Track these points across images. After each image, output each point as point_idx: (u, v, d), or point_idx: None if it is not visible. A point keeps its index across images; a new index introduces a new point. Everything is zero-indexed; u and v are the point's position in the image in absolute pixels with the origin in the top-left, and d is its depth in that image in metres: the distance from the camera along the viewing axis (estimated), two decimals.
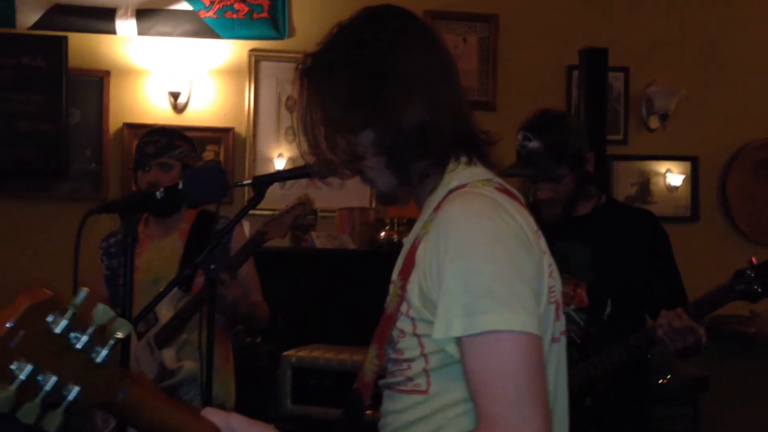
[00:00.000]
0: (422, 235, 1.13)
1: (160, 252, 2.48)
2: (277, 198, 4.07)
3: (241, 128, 4.29)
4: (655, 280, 2.21)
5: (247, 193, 4.09)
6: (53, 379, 0.84)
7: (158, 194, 1.51)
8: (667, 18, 4.54)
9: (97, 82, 4.19)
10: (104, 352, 0.87)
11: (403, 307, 1.12)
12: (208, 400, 1.76)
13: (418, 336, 1.10)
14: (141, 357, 2.36)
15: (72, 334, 0.85)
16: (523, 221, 1.11)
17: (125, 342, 1.55)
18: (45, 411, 0.84)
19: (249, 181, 1.77)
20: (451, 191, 1.15)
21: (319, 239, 3.74)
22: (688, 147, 4.54)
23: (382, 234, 3.85)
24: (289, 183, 4.15)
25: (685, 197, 4.55)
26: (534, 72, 4.43)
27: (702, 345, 2.03)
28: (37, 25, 4.13)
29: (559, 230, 2.11)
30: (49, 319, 0.84)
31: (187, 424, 0.95)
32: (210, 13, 4.23)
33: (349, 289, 3.58)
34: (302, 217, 2.44)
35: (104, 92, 4.19)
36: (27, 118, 4.11)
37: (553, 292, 1.12)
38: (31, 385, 0.83)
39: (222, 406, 2.40)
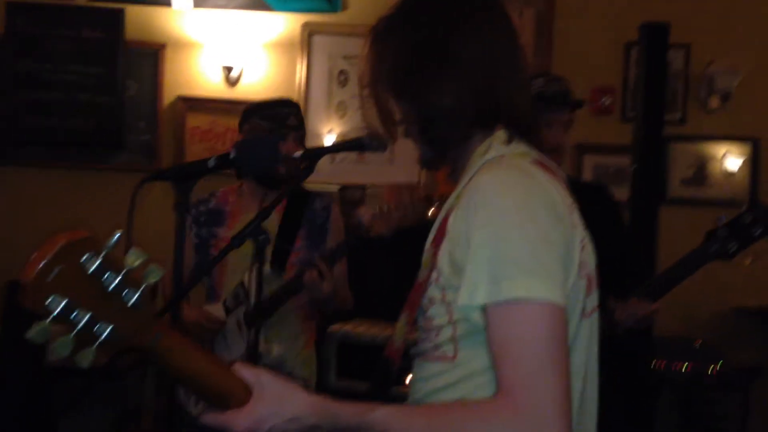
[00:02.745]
0: (455, 205, 1.14)
1: None
2: (327, 172, 4.09)
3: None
4: (612, 257, 2.20)
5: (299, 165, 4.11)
6: (87, 315, 0.86)
7: (210, 163, 1.52)
8: None
9: (152, 55, 4.25)
10: (137, 295, 0.89)
11: (434, 275, 1.13)
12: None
13: (447, 303, 1.11)
14: (229, 334, 2.34)
15: (106, 274, 0.87)
16: (556, 193, 1.11)
17: (176, 317, 1.57)
18: (79, 347, 0.87)
19: (299, 153, 1.78)
20: (487, 161, 1.16)
21: (367, 215, 3.74)
22: (749, 128, 4.39)
23: (431, 211, 3.84)
24: (339, 157, 4.15)
25: (744, 181, 4.41)
26: (591, 48, 4.32)
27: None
28: None
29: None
30: (85, 257, 0.86)
31: (217, 376, 0.97)
32: None
33: (396, 265, 3.58)
34: (411, 220, 2.38)
35: (159, 65, 4.24)
36: (85, 90, 4.19)
37: (584, 266, 1.12)
38: (66, 319, 0.85)
39: (306, 384, 2.41)
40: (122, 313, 0.88)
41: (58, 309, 0.83)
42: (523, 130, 1.21)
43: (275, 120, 2.35)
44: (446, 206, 1.20)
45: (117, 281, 0.87)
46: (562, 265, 1.05)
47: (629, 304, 2.03)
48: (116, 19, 4.18)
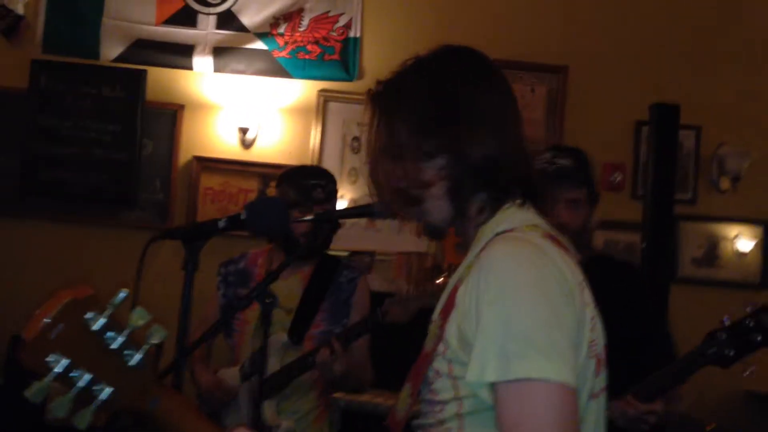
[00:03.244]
0: (464, 276, 1.12)
1: (279, 292, 2.42)
2: (336, 237, 4.10)
3: None
4: (641, 340, 2.11)
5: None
6: (87, 376, 0.84)
7: (220, 223, 1.53)
8: (741, 77, 4.44)
9: (171, 115, 4.33)
10: (138, 356, 0.87)
11: (440, 347, 1.11)
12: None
13: (453, 378, 1.09)
14: (242, 402, 2.31)
15: (108, 333, 0.86)
16: (568, 270, 1.10)
17: (179, 378, 1.56)
18: (77, 407, 0.85)
19: (310, 218, 1.79)
20: (497, 234, 1.15)
21: (374, 282, 3.73)
22: (761, 211, 4.39)
23: (439, 280, 3.82)
24: (348, 223, 4.17)
25: (756, 263, 4.38)
26: (602, 125, 4.37)
27: (667, 418, 1.96)
28: (119, 58, 4.31)
29: None
30: (88, 315, 0.85)
31: None
32: (283, 53, 4.34)
33: (402, 333, 3.55)
34: (429, 306, 2.35)
35: (177, 125, 4.31)
36: (102, 147, 4.26)
37: (594, 345, 1.10)
38: (66, 379, 0.83)
39: None
40: (122, 374, 0.87)
41: (59, 368, 0.83)
42: (533, 197, 1.22)
43: (302, 191, 2.34)
44: (455, 277, 1.18)
45: (119, 341, 0.86)
46: (572, 345, 1.04)
47: (623, 401, 1.92)
48: (138, 79, 4.28)
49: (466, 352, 1.05)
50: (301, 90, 4.40)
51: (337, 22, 4.36)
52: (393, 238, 4.23)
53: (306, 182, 2.36)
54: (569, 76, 4.42)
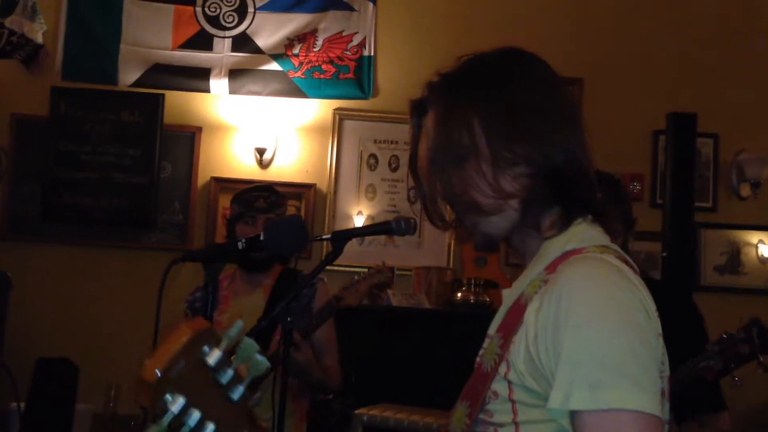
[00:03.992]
0: (530, 295, 1.06)
1: (244, 308, 2.50)
2: (355, 254, 4.11)
3: (323, 185, 4.37)
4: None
5: (326, 249, 4.14)
6: (197, 415, 0.79)
7: (240, 245, 1.54)
8: (758, 83, 4.41)
9: (189, 138, 4.37)
10: (240, 390, 0.83)
11: (502, 368, 1.04)
12: None
13: (512, 401, 1.03)
14: None
15: (221, 370, 0.81)
16: (647, 296, 1.03)
17: None
18: None
19: (328, 236, 1.79)
20: (567, 252, 1.08)
21: (395, 297, 3.73)
22: None
23: (459, 294, 3.82)
24: (367, 240, 4.18)
25: None
26: (619, 136, 4.36)
27: None
28: (137, 83, 4.37)
29: None
30: (206, 349, 0.80)
31: None
32: (298, 74, 4.38)
33: (424, 348, 3.54)
34: (379, 285, 2.43)
35: (195, 147, 4.36)
36: (122, 171, 4.31)
37: (663, 376, 1.04)
38: (178, 419, 0.78)
39: None
40: (225, 410, 0.82)
41: (176, 408, 0.77)
42: (601, 214, 1.15)
43: (245, 203, 2.50)
44: (515, 291, 1.12)
45: (229, 376, 0.82)
46: (659, 373, 0.99)
47: None
48: (155, 103, 4.34)
49: (535, 378, 1.00)
50: (317, 109, 4.43)
51: (351, 41, 4.40)
52: (412, 254, 4.23)
53: (248, 195, 2.52)
54: (584, 87, 4.41)
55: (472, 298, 3.76)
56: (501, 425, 1.05)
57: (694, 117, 3.30)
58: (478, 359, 1.15)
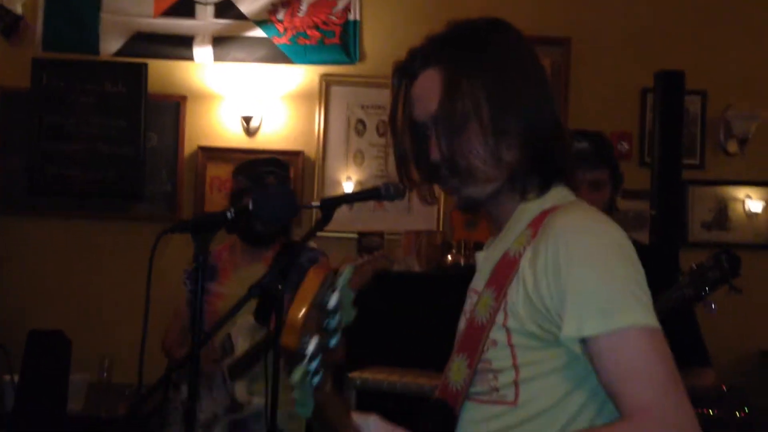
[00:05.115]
0: (519, 249, 1.14)
1: (246, 280, 2.45)
2: (344, 220, 4.11)
3: (311, 151, 4.35)
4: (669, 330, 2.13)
5: (315, 215, 4.14)
6: (318, 359, 0.84)
7: (229, 214, 1.54)
8: (744, 40, 4.40)
9: (173, 107, 4.33)
10: (337, 338, 0.86)
11: (499, 318, 1.12)
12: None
13: (511, 346, 1.11)
14: (214, 385, 2.38)
15: (331, 316, 0.85)
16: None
17: (195, 363, 1.58)
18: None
19: (317, 203, 1.79)
20: (545, 211, 1.17)
21: None
22: None
23: (449, 257, 3.83)
24: (356, 205, 4.18)
25: (766, 224, 4.37)
26: (607, 95, 4.35)
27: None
28: (119, 53, 4.31)
29: None
30: (328, 294, 0.85)
31: (341, 416, 0.94)
32: (283, 40, 4.33)
33: (415, 312, 3.57)
34: (382, 270, 2.40)
35: (180, 116, 4.32)
36: (107, 142, 4.27)
37: None
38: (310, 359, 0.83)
39: None
40: (327, 358, 0.87)
41: (312, 348, 0.82)
42: (570, 177, 1.24)
43: (254, 178, 2.44)
44: (498, 249, 1.20)
45: (336, 321, 0.86)
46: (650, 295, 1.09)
47: None
48: (139, 73, 4.28)
49: (536, 321, 1.08)
50: (303, 75, 4.39)
51: (335, 5, 4.34)
52: (402, 218, 4.24)
53: (258, 170, 2.46)
54: (572, 47, 4.39)
55: (462, 260, 3.78)
56: (500, 370, 1.12)
57: (681, 75, 3.30)
58: (466, 315, 1.23)
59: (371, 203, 4.25)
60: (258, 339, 2.35)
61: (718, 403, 2.57)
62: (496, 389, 1.12)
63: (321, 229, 1.71)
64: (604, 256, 1.07)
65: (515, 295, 1.11)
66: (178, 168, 4.32)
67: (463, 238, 3.87)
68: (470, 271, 4.05)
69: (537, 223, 1.15)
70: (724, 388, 3.63)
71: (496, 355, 1.12)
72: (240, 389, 2.34)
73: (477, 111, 1.15)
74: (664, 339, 1.04)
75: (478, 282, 1.23)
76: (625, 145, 4.35)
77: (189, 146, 4.33)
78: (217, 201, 4.24)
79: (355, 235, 4.04)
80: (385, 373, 3.05)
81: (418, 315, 3.55)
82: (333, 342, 0.85)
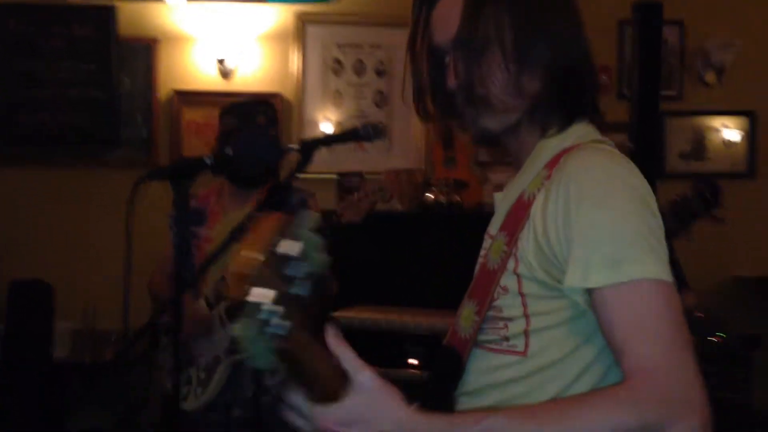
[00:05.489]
0: (533, 191, 1.08)
1: (234, 224, 2.44)
2: (324, 161, 4.09)
3: (289, 93, 4.30)
4: None
5: (295, 157, 4.11)
6: (279, 310, 0.79)
7: (207, 160, 1.52)
8: None
9: (145, 50, 4.23)
10: (307, 285, 0.80)
11: (510, 264, 1.07)
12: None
13: (522, 294, 1.06)
14: (212, 329, 2.38)
15: (294, 261, 0.79)
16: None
17: (178, 308, 1.58)
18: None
19: (296, 147, 1.78)
20: (564, 149, 1.10)
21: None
22: (746, 101, 4.39)
23: (430, 196, 3.84)
24: (336, 146, 4.15)
25: (742, 153, 4.41)
26: (585, 28, 4.30)
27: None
28: None
29: None
30: (282, 241, 0.79)
31: (323, 364, 0.89)
32: None
33: (397, 250, 3.59)
34: (379, 203, 2.39)
35: (153, 60, 4.23)
36: (78, 86, 4.19)
37: None
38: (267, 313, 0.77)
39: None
40: (288, 304, 0.80)
41: (268, 298, 0.77)
42: (596, 114, 1.18)
43: (244, 118, 2.39)
44: (514, 190, 1.14)
45: (299, 270, 0.79)
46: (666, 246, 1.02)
47: None
48: (107, 15, 4.16)
49: (546, 270, 1.03)
50: (278, 15, 4.29)
51: None
52: (382, 157, 4.23)
53: (248, 109, 2.41)
54: None
55: (443, 198, 3.79)
56: (511, 319, 1.07)
57: (659, 6, 3.26)
58: (481, 259, 1.18)
59: (351, 143, 4.22)
60: None
61: (695, 328, 2.62)
62: (506, 338, 1.08)
63: (301, 171, 1.70)
64: (618, 201, 1.00)
65: (526, 240, 1.05)
66: (153, 112, 4.25)
67: (444, 177, 3.87)
68: (451, 208, 4.11)
69: (554, 164, 1.08)
70: (699, 314, 3.73)
71: (507, 303, 1.08)
72: None
73: (500, 36, 1.08)
74: (677, 294, 0.98)
75: (494, 225, 1.17)
76: (605, 78, 4.33)
77: (163, 90, 4.26)
78: (194, 145, 4.19)
79: (335, 176, 4.03)
80: (368, 312, 3.08)
81: (400, 254, 3.57)
82: (299, 290, 0.78)
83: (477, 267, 1.20)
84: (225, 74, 4.25)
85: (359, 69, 4.31)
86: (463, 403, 1.13)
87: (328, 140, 1.90)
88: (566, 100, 1.12)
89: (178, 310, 1.55)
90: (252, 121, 2.38)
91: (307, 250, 0.79)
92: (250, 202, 2.50)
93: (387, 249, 3.65)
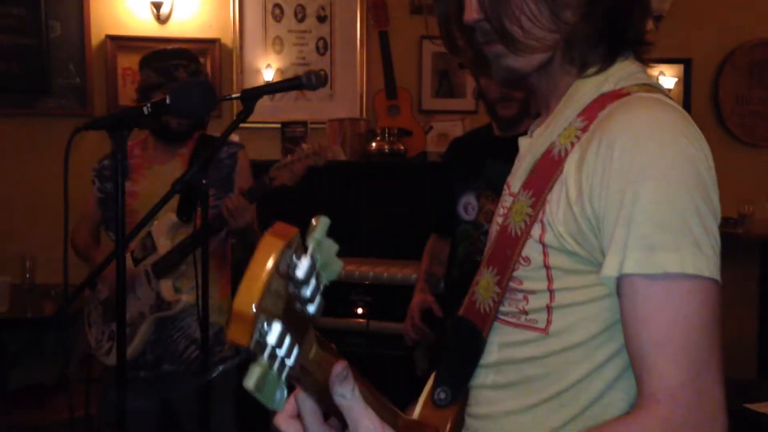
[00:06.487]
0: (565, 146, 0.93)
1: (160, 178, 2.39)
2: (266, 110, 4.03)
3: (227, 39, 4.19)
4: None
5: (236, 107, 4.04)
6: (288, 340, 0.64)
7: (145, 109, 1.49)
8: None
9: None
10: (318, 302, 0.67)
11: (535, 231, 0.93)
12: (205, 330, 1.78)
13: (547, 267, 0.93)
14: (137, 284, 2.36)
15: (307, 281, 0.65)
16: (706, 143, 0.90)
17: (121, 267, 1.56)
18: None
19: (237, 95, 1.75)
20: (603, 95, 0.95)
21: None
22: (682, 49, 4.48)
23: (373, 144, 3.84)
24: (279, 95, 4.09)
25: (677, 100, 4.49)
26: None
27: None
28: None
29: (492, 148, 2.33)
30: (294, 260, 0.64)
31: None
32: None
33: (342, 200, 3.59)
34: (314, 167, 2.34)
35: (84, 3, 4.06)
36: (6, 32, 4.00)
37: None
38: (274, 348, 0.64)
39: (221, 331, 2.43)
40: (302, 325, 0.67)
41: (274, 338, 0.62)
42: (641, 51, 1.03)
43: (164, 73, 2.32)
44: (542, 142, 0.99)
45: (311, 289, 0.66)
46: (718, 232, 0.87)
47: None
48: None
49: (577, 239, 0.90)
50: None
51: None
52: (325, 106, 4.19)
53: (167, 63, 2.32)
54: None
55: (386, 147, 3.79)
56: (532, 292, 0.95)
57: None
58: (499, 219, 1.04)
59: (293, 92, 4.17)
60: (182, 237, 2.32)
61: None
62: (525, 312, 0.96)
63: (243, 121, 1.68)
64: (667, 178, 0.84)
65: (555, 204, 0.91)
66: (86, 59, 4.10)
67: (387, 126, 3.87)
68: (394, 157, 4.10)
69: (591, 112, 0.94)
70: None
71: (528, 275, 0.95)
72: (166, 288, 2.32)
73: None
74: (718, 294, 0.84)
75: (516, 178, 1.03)
76: None
77: (96, 35, 4.10)
78: (130, 94, 4.06)
79: (278, 126, 3.98)
80: None
81: (343, 203, 3.57)
82: (312, 309, 0.67)
83: (494, 228, 1.06)
84: (160, 19, 4.12)
85: (300, 15, 4.23)
86: (480, 376, 1.03)
87: (270, 89, 1.87)
88: (610, 32, 0.98)
89: (122, 268, 1.52)
90: (171, 76, 2.30)
91: (326, 261, 0.68)
92: (176, 155, 2.45)
93: (332, 199, 3.65)
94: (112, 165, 2.50)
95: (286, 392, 0.64)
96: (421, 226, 2.77)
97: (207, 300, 1.76)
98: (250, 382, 0.60)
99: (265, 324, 0.61)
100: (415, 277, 2.77)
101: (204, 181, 1.63)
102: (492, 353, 1.01)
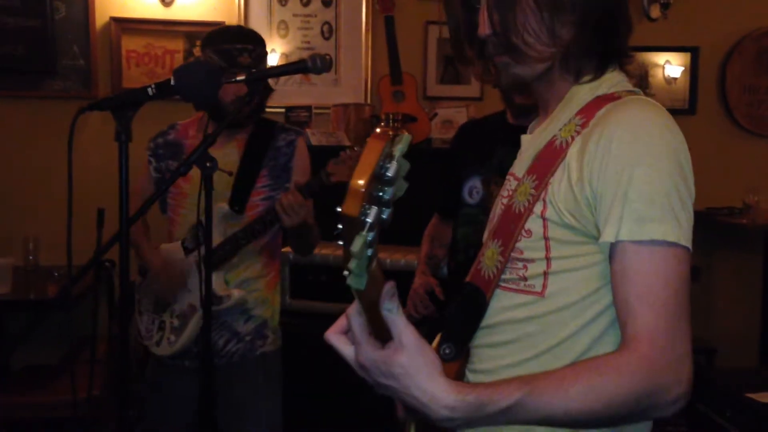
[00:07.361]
0: (566, 138, 1.10)
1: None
2: (272, 94, 4.01)
3: (232, 22, 4.17)
4: None
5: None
6: (375, 231, 0.76)
7: (150, 91, 1.48)
8: None
9: None
10: (388, 211, 0.78)
11: (538, 207, 1.10)
12: (207, 331, 1.77)
13: (546, 239, 1.09)
14: (189, 275, 2.31)
15: (388, 185, 0.77)
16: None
17: (124, 247, 1.56)
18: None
19: (242, 78, 1.74)
20: (598, 97, 1.13)
21: (314, 136, 3.71)
22: (689, 37, 4.45)
23: (377, 130, 3.82)
24: (282, 78, 4.08)
25: (684, 89, 4.50)
26: None
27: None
28: None
29: (504, 135, 2.26)
30: (386, 163, 0.77)
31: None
32: None
33: (345, 185, 3.59)
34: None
35: None
36: (11, 14, 3.99)
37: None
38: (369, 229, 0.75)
39: (264, 324, 2.40)
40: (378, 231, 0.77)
41: (371, 218, 0.74)
42: (627, 61, 1.20)
43: (227, 56, 2.19)
44: (545, 134, 1.16)
45: (390, 195, 0.77)
46: (692, 212, 1.05)
47: None
48: None
49: (575, 215, 1.06)
50: None
51: None
52: (329, 91, 4.17)
53: (231, 47, 2.19)
54: None
55: (390, 132, 3.78)
56: (530, 260, 1.11)
57: None
58: (503, 200, 1.21)
59: (298, 76, 4.16)
60: (233, 228, 2.26)
61: None
62: (524, 278, 1.12)
63: (248, 104, 1.67)
64: (655, 163, 1.02)
65: (557, 185, 1.08)
66: (90, 41, 4.08)
67: (392, 111, 3.85)
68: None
69: (588, 111, 1.11)
70: None
71: (529, 245, 1.11)
72: (218, 281, 2.25)
73: None
74: (689, 260, 1.02)
75: (520, 167, 1.20)
76: None
77: (100, 17, 4.08)
78: (135, 76, 4.06)
79: (282, 110, 3.97)
80: (317, 247, 3.10)
81: (347, 189, 3.57)
82: (386, 214, 0.77)
83: (498, 207, 1.23)
84: (165, 1, 4.10)
85: None
86: (480, 336, 1.18)
87: (275, 72, 1.86)
88: (601, 46, 1.14)
89: (126, 248, 1.52)
90: (235, 63, 2.18)
91: (400, 174, 0.78)
92: (233, 140, 2.36)
93: (335, 185, 3.64)
94: (167, 145, 2.43)
95: (366, 279, 0.77)
96: (424, 213, 2.76)
97: (210, 296, 1.75)
98: (356, 246, 0.73)
99: (367, 204, 0.73)
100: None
101: (208, 164, 1.62)
102: (493, 316, 1.16)
